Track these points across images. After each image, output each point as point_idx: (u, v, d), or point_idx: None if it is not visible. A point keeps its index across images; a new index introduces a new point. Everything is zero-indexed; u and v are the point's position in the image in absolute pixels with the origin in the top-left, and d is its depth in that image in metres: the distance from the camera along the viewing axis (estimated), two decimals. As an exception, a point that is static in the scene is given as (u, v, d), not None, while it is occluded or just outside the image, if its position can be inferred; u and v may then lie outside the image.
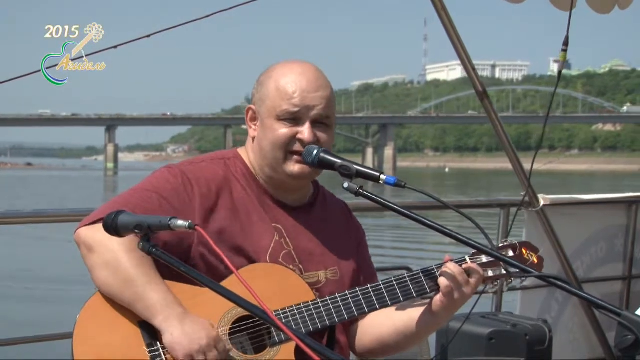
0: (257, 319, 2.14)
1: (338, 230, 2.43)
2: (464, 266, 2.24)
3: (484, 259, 2.29)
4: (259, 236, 2.26)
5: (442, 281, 2.21)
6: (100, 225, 2.09)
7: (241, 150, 2.40)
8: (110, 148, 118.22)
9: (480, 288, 2.32)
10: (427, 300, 2.28)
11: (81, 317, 2.12)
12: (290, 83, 2.26)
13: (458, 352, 3.74)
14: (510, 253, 2.32)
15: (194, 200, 2.22)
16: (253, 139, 2.33)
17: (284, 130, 2.25)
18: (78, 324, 2.10)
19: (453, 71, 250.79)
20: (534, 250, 2.35)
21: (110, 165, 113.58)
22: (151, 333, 2.10)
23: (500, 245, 2.34)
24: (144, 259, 2.11)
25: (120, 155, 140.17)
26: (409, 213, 2.22)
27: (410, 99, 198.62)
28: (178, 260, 1.93)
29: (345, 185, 2.22)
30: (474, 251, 2.28)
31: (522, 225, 4.82)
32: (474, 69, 4.40)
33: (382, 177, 2.19)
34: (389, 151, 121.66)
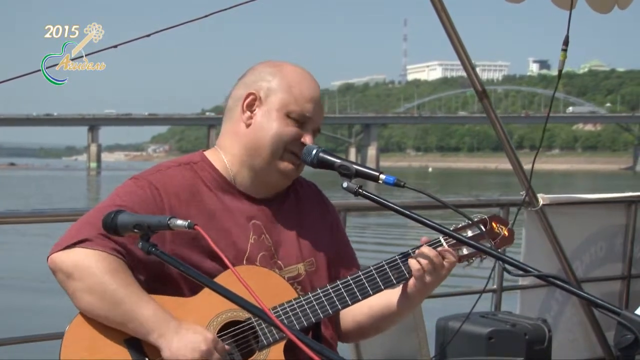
0: (241, 325, 2.14)
1: (313, 216, 2.40)
2: (438, 249, 2.23)
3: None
4: (234, 239, 2.23)
5: (413, 264, 2.22)
6: (74, 249, 2.08)
7: (209, 152, 2.34)
8: (93, 148, 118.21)
9: (457, 269, 2.31)
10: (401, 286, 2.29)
11: (66, 339, 2.09)
12: (308, 88, 2.28)
13: (457, 351, 3.75)
14: (481, 228, 2.32)
15: (164, 211, 2.17)
16: (248, 125, 2.27)
17: (292, 128, 2.25)
18: (63, 347, 2.08)
19: (433, 71, 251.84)
20: (504, 223, 2.37)
21: (93, 165, 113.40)
22: (138, 350, 2.09)
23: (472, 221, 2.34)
24: (128, 278, 2.09)
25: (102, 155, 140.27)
26: (408, 213, 2.22)
27: (392, 99, 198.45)
28: (177, 260, 1.93)
29: (345, 185, 2.22)
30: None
31: (521, 224, 4.82)
32: (473, 69, 4.41)
33: (382, 176, 2.19)
34: (372, 151, 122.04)
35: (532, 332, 3.88)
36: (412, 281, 2.23)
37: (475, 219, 2.33)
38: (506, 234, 2.36)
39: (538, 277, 2.21)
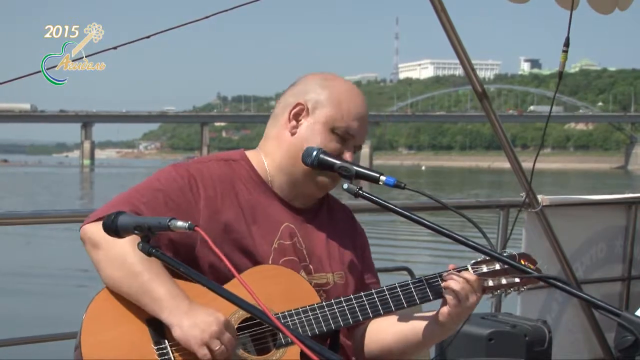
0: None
1: (344, 235, 2.43)
2: (465, 276, 2.23)
3: (485, 268, 2.30)
4: (264, 238, 2.26)
5: (449, 294, 2.22)
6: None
7: (250, 153, 2.38)
8: (87, 145, 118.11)
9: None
10: (433, 312, 2.29)
11: (88, 313, 2.11)
12: (356, 106, 2.31)
13: (457, 352, 3.74)
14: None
15: (199, 200, 2.21)
16: (292, 134, 2.31)
17: (335, 144, 2.28)
18: (85, 319, 2.10)
19: (425, 70, 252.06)
20: (532, 262, 2.36)
21: (86, 162, 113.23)
22: (159, 331, 2.10)
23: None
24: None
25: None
26: (409, 214, 2.22)
27: (384, 97, 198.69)
28: (177, 261, 1.93)
29: (345, 186, 2.24)
30: (474, 261, 2.31)
31: (521, 226, 4.81)
32: (473, 70, 4.39)
33: (382, 178, 2.21)
34: (365, 149, 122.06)
35: (532, 333, 3.88)
36: (446, 309, 2.22)
37: (505, 254, 2.33)
38: None
39: (538, 278, 2.22)
